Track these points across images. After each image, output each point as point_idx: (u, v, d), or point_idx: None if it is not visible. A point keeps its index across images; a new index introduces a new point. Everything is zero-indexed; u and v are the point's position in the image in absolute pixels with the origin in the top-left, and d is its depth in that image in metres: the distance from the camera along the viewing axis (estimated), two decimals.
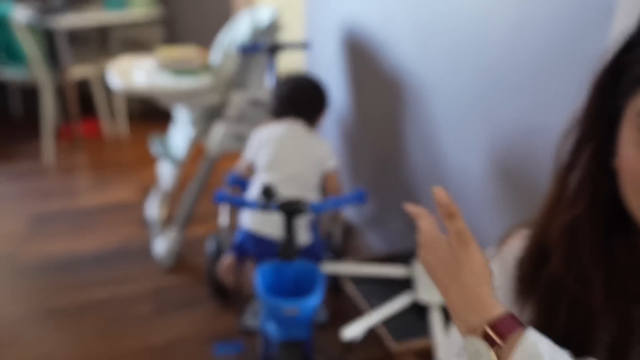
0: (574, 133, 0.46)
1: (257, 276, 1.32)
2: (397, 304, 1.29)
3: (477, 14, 1.29)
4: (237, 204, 1.50)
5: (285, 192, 1.41)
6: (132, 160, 2.82)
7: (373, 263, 1.48)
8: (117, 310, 1.79)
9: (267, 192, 1.32)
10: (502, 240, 0.57)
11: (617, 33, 0.90)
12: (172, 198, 2.12)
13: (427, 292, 1.32)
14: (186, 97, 1.91)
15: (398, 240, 1.91)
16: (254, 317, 1.65)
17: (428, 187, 1.65)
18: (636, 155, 0.40)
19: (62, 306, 1.79)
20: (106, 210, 2.35)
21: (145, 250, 2.04)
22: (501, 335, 0.41)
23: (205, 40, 2.40)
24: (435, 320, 1.25)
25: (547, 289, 0.49)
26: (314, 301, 1.26)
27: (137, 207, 2.31)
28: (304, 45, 2.04)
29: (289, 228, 1.33)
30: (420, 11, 1.50)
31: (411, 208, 0.51)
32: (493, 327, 0.41)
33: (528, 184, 1.30)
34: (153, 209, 2.10)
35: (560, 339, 0.43)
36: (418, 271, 1.40)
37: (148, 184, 2.42)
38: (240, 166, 1.63)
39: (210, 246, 1.76)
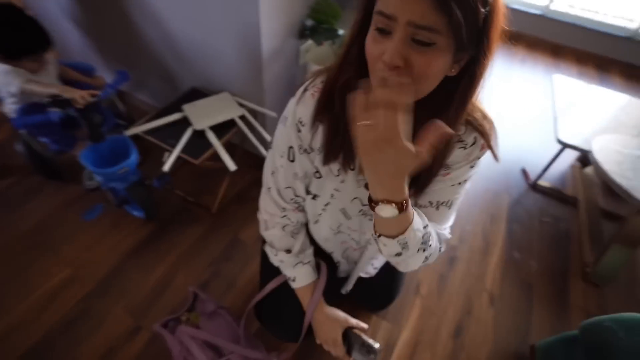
0: (353, 27, 0.67)
1: (84, 160, 1.67)
2: (185, 136, 1.77)
3: None
4: (40, 122, 1.71)
5: None
6: None
7: (156, 117, 1.85)
8: None
9: (59, 102, 1.59)
10: (308, 77, 0.80)
11: None
12: None
13: (200, 123, 1.80)
14: None
15: (162, 94, 2.28)
16: (91, 179, 2.01)
17: (163, 49, 2.02)
18: (370, 43, 0.61)
19: None
20: None
21: None
22: (404, 207, 0.66)
23: None
24: (211, 137, 1.76)
25: (333, 117, 0.74)
26: (134, 157, 1.72)
27: None
28: None
29: (91, 121, 1.64)
30: None
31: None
32: (402, 202, 0.65)
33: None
34: None
35: (341, 143, 0.73)
36: (188, 111, 1.85)
37: None
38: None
39: (24, 145, 1.90)
